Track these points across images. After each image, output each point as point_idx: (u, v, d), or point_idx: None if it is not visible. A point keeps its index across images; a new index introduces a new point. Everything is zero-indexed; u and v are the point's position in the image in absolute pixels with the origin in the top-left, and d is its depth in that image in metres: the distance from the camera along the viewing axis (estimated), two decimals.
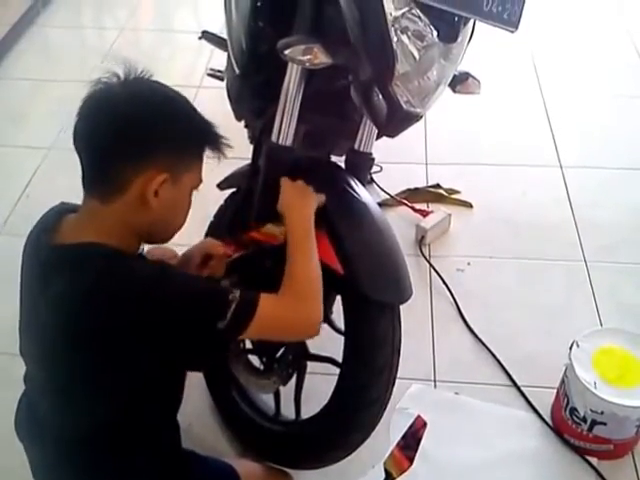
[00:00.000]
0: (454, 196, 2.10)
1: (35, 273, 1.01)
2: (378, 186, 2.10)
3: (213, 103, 2.34)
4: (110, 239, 0.97)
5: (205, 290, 1.01)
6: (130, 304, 0.92)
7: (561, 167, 2.21)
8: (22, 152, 2.31)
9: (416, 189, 2.11)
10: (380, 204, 2.01)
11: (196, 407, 1.55)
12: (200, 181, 1.05)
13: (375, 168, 1.75)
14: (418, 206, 2.03)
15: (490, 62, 2.42)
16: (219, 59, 2.16)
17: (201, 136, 1.03)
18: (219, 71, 1.89)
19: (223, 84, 1.74)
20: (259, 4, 1.21)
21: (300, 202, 1.17)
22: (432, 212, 2.00)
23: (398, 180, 2.12)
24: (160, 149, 0.97)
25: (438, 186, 2.12)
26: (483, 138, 2.33)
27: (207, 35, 1.90)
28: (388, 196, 2.08)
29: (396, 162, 2.14)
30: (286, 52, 1.05)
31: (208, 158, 1.04)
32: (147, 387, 1.00)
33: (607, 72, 2.61)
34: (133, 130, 0.95)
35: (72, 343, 0.94)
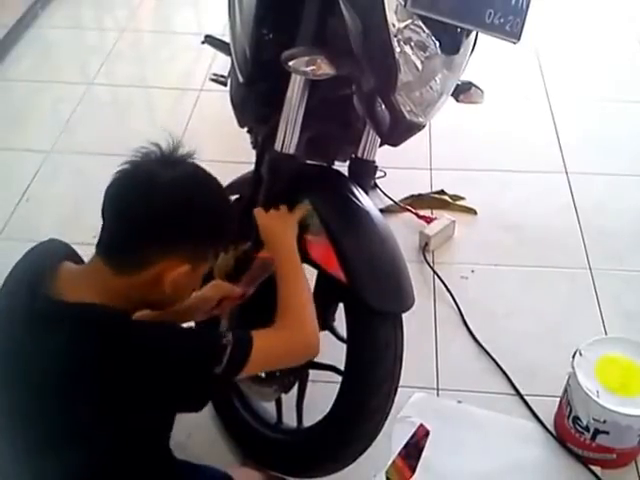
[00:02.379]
0: (458, 202, 2.09)
1: (24, 321, 0.97)
2: (382, 192, 2.09)
3: (215, 107, 2.37)
4: (114, 303, 0.96)
5: (202, 339, 1.02)
6: (134, 359, 0.93)
7: (567, 173, 2.20)
8: (22, 155, 2.30)
9: (420, 195, 2.11)
10: (384, 210, 2.01)
11: (197, 415, 1.54)
12: (213, 264, 1.06)
13: (379, 173, 1.75)
14: (422, 212, 2.03)
15: (496, 67, 2.42)
16: (221, 62, 2.18)
17: (226, 233, 1.05)
18: (222, 76, 1.89)
19: (225, 88, 1.75)
20: (263, 13, 1.21)
21: (279, 231, 1.18)
22: (436, 218, 2.00)
23: (402, 186, 2.12)
24: (189, 241, 0.97)
25: (442, 192, 2.12)
26: (488, 144, 2.32)
27: (210, 39, 1.90)
28: (392, 202, 2.07)
29: (400, 167, 2.14)
30: (290, 63, 1.06)
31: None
32: (140, 435, 0.99)
33: (614, 78, 2.60)
34: (169, 217, 0.95)
35: (71, 396, 0.93)
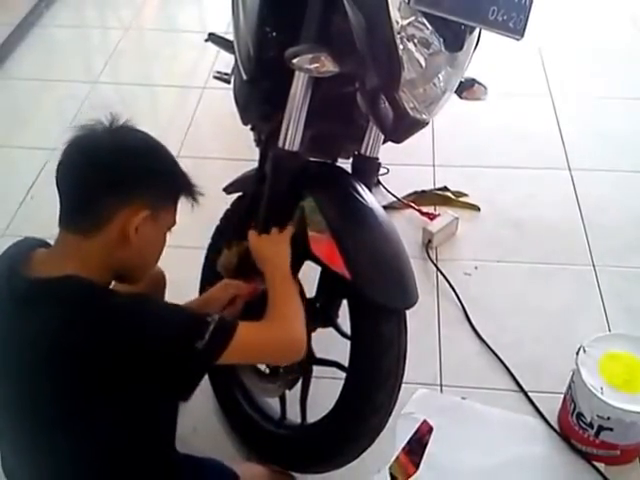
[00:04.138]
0: (462, 199, 2.09)
1: (6, 308, 0.99)
2: (385, 188, 2.09)
3: (218, 104, 2.37)
4: (88, 272, 0.98)
5: (184, 313, 1.03)
6: (111, 333, 0.94)
7: (570, 170, 2.20)
8: (26, 153, 2.32)
9: (423, 192, 2.11)
10: (387, 207, 2.01)
11: (201, 411, 1.56)
12: (174, 222, 1.09)
13: (382, 170, 1.75)
14: (425, 209, 2.03)
15: (498, 64, 2.41)
16: (225, 60, 2.18)
17: (179, 181, 1.08)
18: (225, 74, 1.89)
19: (228, 86, 1.76)
20: (267, 11, 1.21)
21: (272, 254, 1.20)
22: (439, 215, 2.00)
23: (405, 182, 2.12)
24: (142, 187, 1.01)
25: (445, 189, 2.12)
26: (491, 140, 2.32)
27: (213, 37, 1.90)
28: (395, 199, 2.07)
29: (403, 164, 2.14)
30: (294, 61, 1.06)
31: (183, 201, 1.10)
32: (133, 422, 1.00)
33: (617, 75, 2.59)
34: (116, 170, 0.99)
35: (59, 379, 0.94)
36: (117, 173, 0.99)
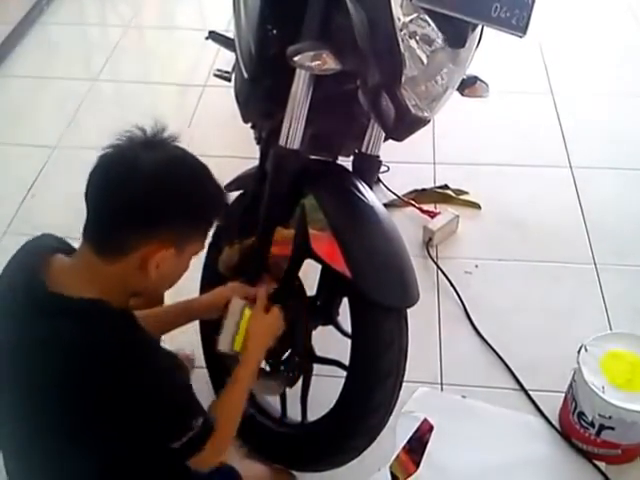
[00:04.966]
0: (462, 197, 2.09)
1: (20, 313, 0.97)
2: (385, 186, 2.09)
3: (219, 102, 2.36)
4: (107, 295, 0.96)
5: (185, 401, 1.03)
6: (125, 371, 0.94)
7: (571, 168, 2.19)
8: (27, 151, 2.31)
9: (424, 190, 2.10)
10: (387, 205, 2.00)
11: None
12: (202, 248, 1.05)
13: (382, 168, 1.74)
14: (426, 207, 2.02)
15: (500, 62, 2.41)
16: (225, 58, 2.17)
17: (213, 211, 1.03)
18: (226, 72, 1.89)
19: (229, 84, 1.75)
20: (268, 9, 1.21)
21: (264, 334, 1.20)
22: (440, 213, 1.99)
23: (405, 180, 2.11)
24: (171, 224, 0.96)
25: (446, 187, 2.11)
26: (492, 138, 2.32)
27: (214, 35, 1.90)
28: (395, 197, 2.07)
29: (403, 162, 2.14)
30: (295, 58, 1.06)
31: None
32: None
33: (618, 72, 2.59)
34: (149, 202, 0.94)
35: (65, 393, 0.93)
36: (150, 206, 0.94)
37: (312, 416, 1.39)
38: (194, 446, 1.02)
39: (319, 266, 1.27)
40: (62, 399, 0.94)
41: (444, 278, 1.85)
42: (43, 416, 0.95)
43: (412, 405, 1.56)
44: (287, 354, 1.35)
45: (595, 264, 1.89)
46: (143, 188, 0.94)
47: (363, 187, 1.27)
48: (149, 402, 0.96)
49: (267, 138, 1.29)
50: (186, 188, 0.97)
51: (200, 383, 1.49)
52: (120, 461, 1.00)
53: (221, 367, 1.43)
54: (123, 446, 0.98)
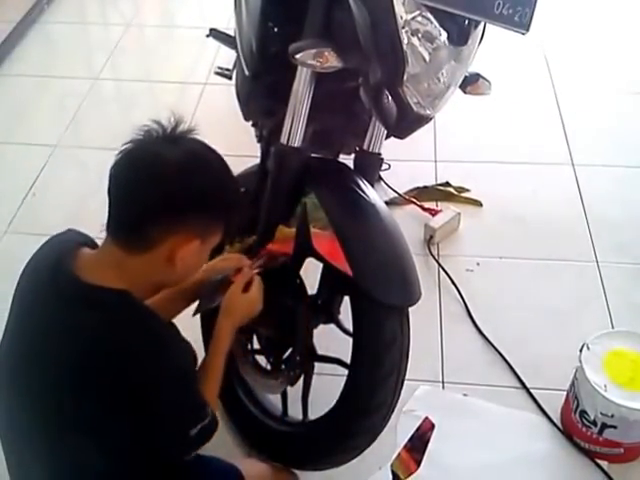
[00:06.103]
0: (464, 194, 2.08)
1: (48, 299, 0.98)
2: (386, 184, 2.08)
3: (220, 100, 2.36)
4: (131, 286, 0.98)
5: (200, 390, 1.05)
6: (145, 361, 0.95)
7: (573, 165, 2.19)
8: (28, 150, 2.31)
9: (425, 187, 2.10)
10: (388, 202, 2.00)
11: None
12: (221, 239, 1.06)
13: (384, 166, 1.74)
14: (427, 205, 2.02)
15: (502, 59, 2.40)
16: (226, 55, 2.17)
17: (233, 206, 1.05)
18: (226, 69, 1.89)
19: (229, 81, 1.75)
20: (269, 6, 1.21)
21: (235, 312, 1.18)
22: (441, 211, 1.99)
23: (407, 178, 2.11)
24: (197, 217, 0.98)
25: (447, 184, 2.11)
26: (494, 135, 2.31)
27: (214, 33, 1.89)
28: (396, 194, 2.07)
29: (405, 160, 2.13)
30: (297, 56, 1.06)
31: None
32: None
33: (619, 70, 2.58)
34: (175, 196, 0.95)
35: (85, 381, 0.95)
36: (176, 200, 0.95)
37: (313, 415, 1.39)
38: (207, 432, 1.04)
39: (320, 264, 1.26)
40: (85, 386, 0.94)
41: (445, 276, 1.84)
42: (60, 401, 0.96)
43: (413, 404, 1.56)
44: (288, 352, 1.35)
45: (597, 262, 1.89)
46: (169, 182, 0.95)
47: (364, 185, 1.26)
48: (177, 390, 0.98)
49: (268, 136, 1.29)
50: (210, 180, 0.99)
51: None
52: (127, 458, 1.00)
53: None
54: (137, 441, 0.98)
